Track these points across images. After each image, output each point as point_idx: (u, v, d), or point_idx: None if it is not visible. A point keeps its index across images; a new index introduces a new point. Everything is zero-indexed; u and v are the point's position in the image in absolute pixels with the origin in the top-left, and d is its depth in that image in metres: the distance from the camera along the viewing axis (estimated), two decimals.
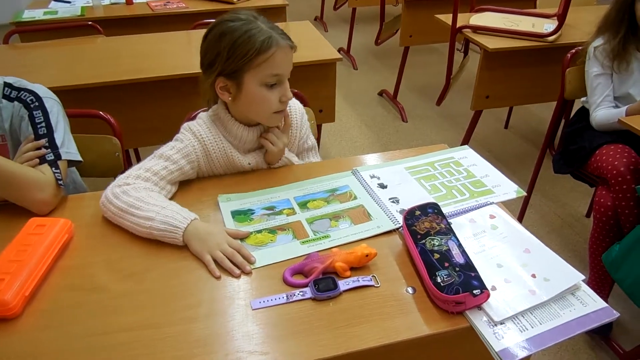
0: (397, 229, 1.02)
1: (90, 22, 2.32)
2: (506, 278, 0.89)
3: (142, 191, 1.03)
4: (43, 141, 1.13)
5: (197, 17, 2.46)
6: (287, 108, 1.21)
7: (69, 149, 1.18)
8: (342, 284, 0.88)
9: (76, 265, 0.95)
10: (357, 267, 0.92)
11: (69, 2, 2.75)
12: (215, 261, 0.93)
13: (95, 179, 1.41)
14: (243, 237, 1.00)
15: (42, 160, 1.11)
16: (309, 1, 5.43)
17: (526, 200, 2.29)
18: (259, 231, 1.02)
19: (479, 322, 0.81)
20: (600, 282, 1.72)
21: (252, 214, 1.07)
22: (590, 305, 0.85)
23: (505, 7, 2.47)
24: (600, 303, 0.85)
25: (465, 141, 2.56)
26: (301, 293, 0.87)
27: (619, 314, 0.84)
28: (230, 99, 1.13)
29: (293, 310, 0.84)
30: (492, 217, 1.04)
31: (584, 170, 1.83)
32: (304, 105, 1.35)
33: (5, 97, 1.17)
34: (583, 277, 0.89)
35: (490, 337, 0.79)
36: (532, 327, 0.81)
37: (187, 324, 0.82)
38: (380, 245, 0.97)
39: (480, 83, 2.33)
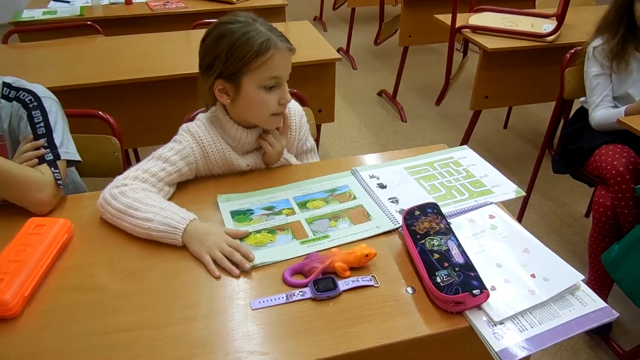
0: (397, 229, 1.02)
1: (89, 22, 2.32)
2: (506, 278, 0.89)
3: (140, 192, 1.03)
4: (42, 141, 1.13)
5: (197, 17, 2.45)
6: (286, 110, 1.20)
7: (68, 149, 1.17)
8: (342, 284, 0.88)
9: (76, 265, 0.95)
10: (357, 267, 0.92)
11: (68, 2, 2.75)
12: (214, 261, 0.93)
13: (95, 179, 1.40)
14: (242, 237, 1.00)
15: (41, 160, 1.11)
16: (308, 1, 5.42)
17: (525, 200, 2.29)
18: (259, 231, 1.02)
19: (479, 322, 0.81)
20: (600, 282, 1.73)
21: (252, 214, 1.07)
22: (589, 305, 0.85)
23: (504, 7, 2.47)
24: (600, 303, 0.85)
25: (465, 141, 2.56)
26: (301, 293, 0.87)
27: (618, 314, 0.84)
28: (228, 101, 1.13)
29: (293, 310, 0.84)
30: (491, 217, 1.04)
31: (583, 170, 1.83)
32: (303, 105, 1.35)
33: (4, 97, 1.17)
34: (582, 277, 0.89)
35: (490, 337, 0.79)
36: (532, 327, 0.81)
37: (187, 324, 0.82)
38: (379, 245, 0.97)
39: (479, 83, 2.33)
